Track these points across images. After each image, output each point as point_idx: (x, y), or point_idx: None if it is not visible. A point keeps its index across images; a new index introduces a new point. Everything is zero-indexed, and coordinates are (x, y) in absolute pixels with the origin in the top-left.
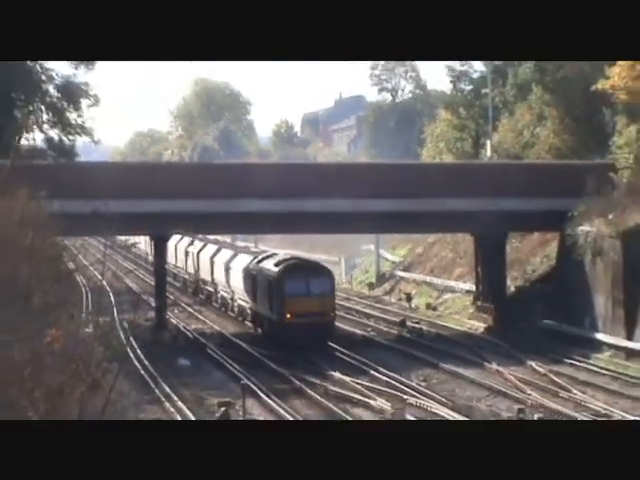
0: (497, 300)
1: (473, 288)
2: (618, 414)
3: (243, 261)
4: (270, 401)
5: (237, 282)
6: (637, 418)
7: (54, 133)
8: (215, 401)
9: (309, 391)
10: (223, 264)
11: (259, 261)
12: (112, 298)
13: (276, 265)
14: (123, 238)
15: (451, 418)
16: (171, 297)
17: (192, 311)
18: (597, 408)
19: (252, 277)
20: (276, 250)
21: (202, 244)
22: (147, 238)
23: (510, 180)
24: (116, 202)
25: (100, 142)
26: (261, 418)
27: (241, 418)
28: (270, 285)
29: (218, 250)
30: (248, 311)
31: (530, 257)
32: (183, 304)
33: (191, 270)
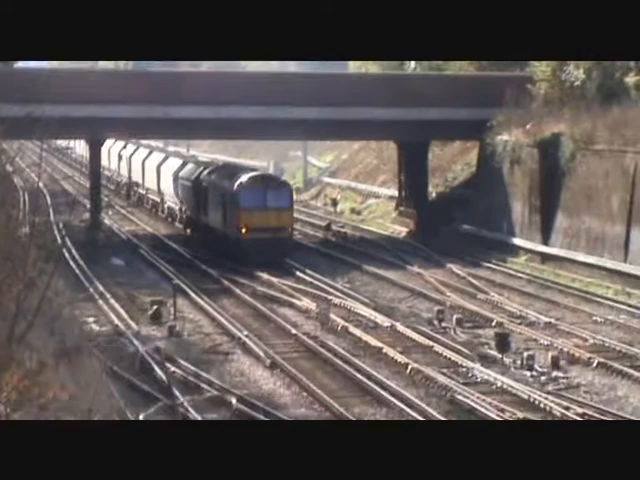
0: (419, 206)
1: (396, 194)
2: (533, 315)
3: (193, 172)
4: (200, 300)
5: (186, 194)
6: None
7: None
8: (148, 299)
9: (238, 291)
10: (171, 174)
11: (210, 172)
12: (48, 200)
13: (230, 177)
14: (60, 142)
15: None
16: (106, 199)
17: (125, 213)
18: (513, 310)
19: (204, 189)
20: (225, 158)
21: (147, 151)
22: (83, 142)
23: (433, 90)
24: (52, 107)
25: None
26: (191, 317)
27: (172, 316)
28: (223, 198)
29: (165, 159)
30: (199, 224)
31: (451, 165)
32: (117, 206)
33: (137, 179)
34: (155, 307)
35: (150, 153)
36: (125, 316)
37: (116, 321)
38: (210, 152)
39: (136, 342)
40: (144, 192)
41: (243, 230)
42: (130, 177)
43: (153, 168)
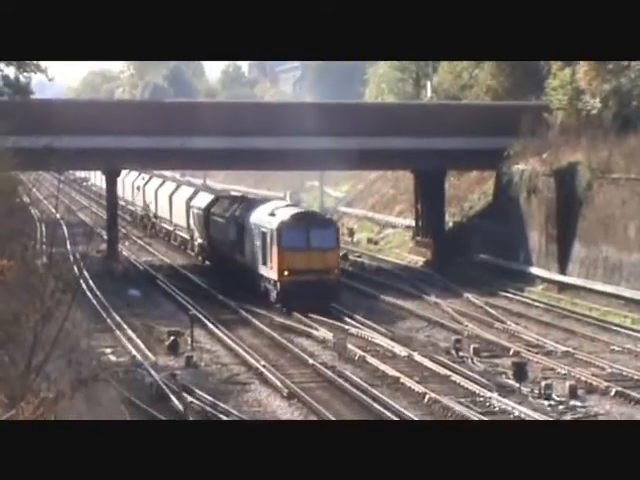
0: (436, 235)
1: (413, 224)
2: (550, 344)
3: (227, 208)
4: (217, 331)
5: (219, 231)
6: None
7: (10, 71)
8: (165, 330)
9: (255, 321)
10: (202, 210)
11: (247, 208)
12: (65, 231)
13: (270, 214)
14: (78, 174)
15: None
16: (123, 230)
17: (143, 244)
18: (530, 339)
19: (239, 226)
20: (243, 189)
21: (174, 185)
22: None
23: (449, 120)
24: (69, 138)
25: (54, 80)
26: (208, 347)
27: (189, 347)
28: (264, 237)
29: (195, 193)
30: (234, 264)
31: (468, 194)
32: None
33: (163, 214)
34: (172, 338)
35: (178, 187)
36: (142, 347)
37: (133, 352)
38: (226, 183)
39: (153, 372)
40: (172, 228)
41: (285, 272)
42: (156, 212)
43: (182, 203)
